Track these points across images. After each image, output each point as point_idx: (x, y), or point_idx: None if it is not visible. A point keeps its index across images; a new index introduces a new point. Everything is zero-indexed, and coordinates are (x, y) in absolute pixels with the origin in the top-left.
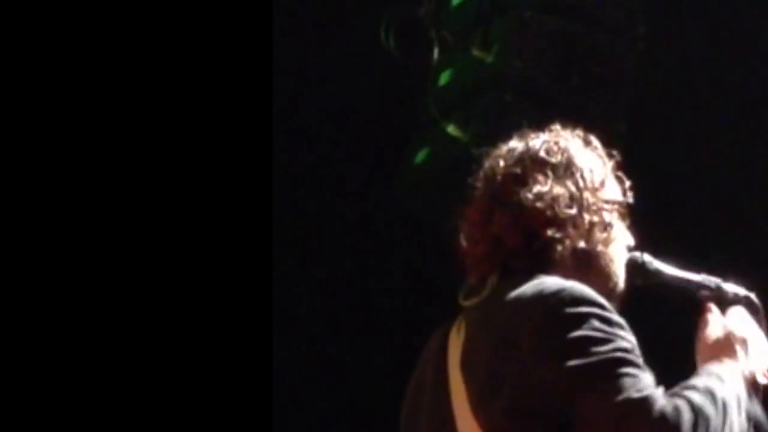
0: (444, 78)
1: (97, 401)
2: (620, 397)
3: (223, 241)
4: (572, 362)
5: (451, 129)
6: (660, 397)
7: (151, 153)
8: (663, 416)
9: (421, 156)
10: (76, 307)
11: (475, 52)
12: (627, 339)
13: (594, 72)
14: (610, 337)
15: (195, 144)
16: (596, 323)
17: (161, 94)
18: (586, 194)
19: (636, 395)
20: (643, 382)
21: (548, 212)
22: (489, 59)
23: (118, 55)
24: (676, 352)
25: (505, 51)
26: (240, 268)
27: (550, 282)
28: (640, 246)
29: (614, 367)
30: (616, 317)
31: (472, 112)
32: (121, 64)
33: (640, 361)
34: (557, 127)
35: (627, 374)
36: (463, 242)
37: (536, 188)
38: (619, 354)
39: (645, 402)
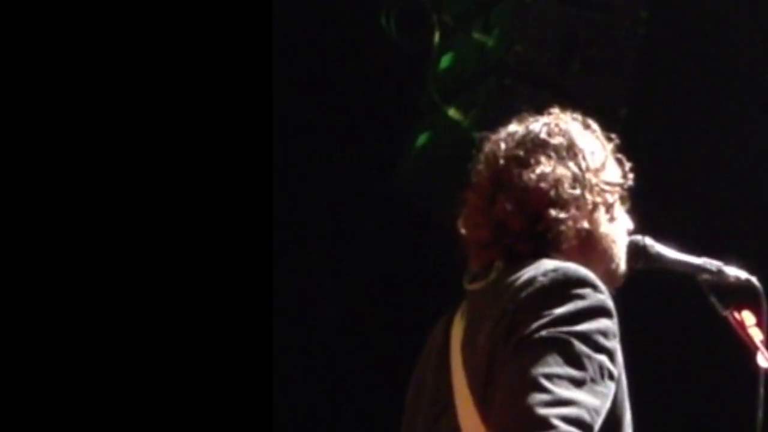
0: (445, 62)
1: (97, 401)
2: (528, 396)
3: (223, 238)
4: (535, 335)
5: (452, 113)
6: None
7: (151, 153)
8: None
9: (422, 140)
10: (76, 307)
11: (476, 37)
12: (605, 332)
13: (595, 56)
14: (588, 329)
15: (195, 140)
16: (581, 305)
17: (161, 93)
18: (589, 175)
19: (541, 410)
20: (576, 395)
21: (551, 193)
22: (490, 43)
23: (119, 55)
24: (674, 334)
25: (506, 35)
26: (240, 260)
27: (549, 263)
28: (642, 229)
29: (564, 356)
30: (604, 303)
31: (473, 97)
32: (122, 64)
33: (602, 361)
34: (556, 110)
35: (566, 376)
36: (465, 228)
37: (539, 169)
38: (580, 347)
39: (536, 416)
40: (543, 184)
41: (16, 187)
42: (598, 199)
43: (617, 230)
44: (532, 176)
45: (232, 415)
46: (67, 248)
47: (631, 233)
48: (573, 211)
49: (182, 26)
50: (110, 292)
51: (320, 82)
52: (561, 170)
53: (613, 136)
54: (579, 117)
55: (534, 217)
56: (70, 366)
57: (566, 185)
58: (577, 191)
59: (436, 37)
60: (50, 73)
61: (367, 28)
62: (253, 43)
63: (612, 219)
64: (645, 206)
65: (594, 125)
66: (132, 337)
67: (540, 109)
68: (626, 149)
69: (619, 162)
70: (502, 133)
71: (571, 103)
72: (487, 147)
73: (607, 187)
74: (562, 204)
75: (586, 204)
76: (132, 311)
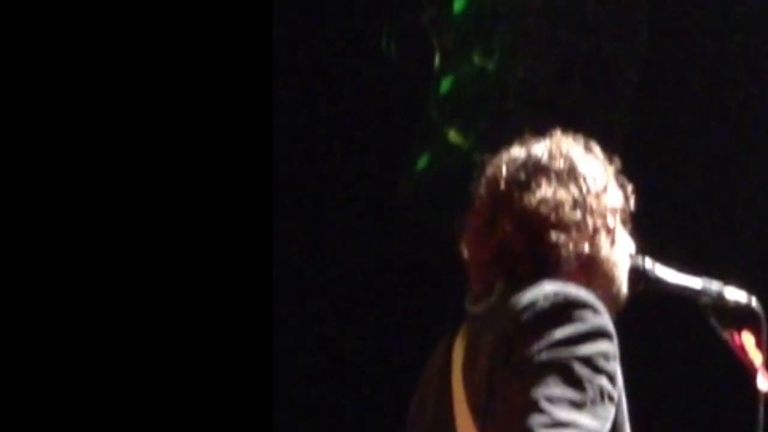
0: (445, 85)
1: (97, 401)
2: (529, 413)
3: (223, 255)
4: (536, 357)
5: (453, 136)
6: None
7: (151, 153)
8: None
9: (422, 163)
10: (76, 307)
11: (477, 59)
12: (605, 355)
13: (595, 79)
14: (588, 352)
15: (195, 144)
16: (582, 328)
17: (161, 94)
18: (590, 199)
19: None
20: (576, 417)
21: (552, 216)
22: (490, 66)
23: (119, 55)
24: (674, 356)
25: (507, 58)
26: (239, 284)
27: (549, 286)
28: (642, 252)
29: (564, 378)
30: (604, 326)
31: (474, 119)
32: (122, 65)
33: (603, 384)
34: (558, 133)
35: (566, 399)
36: (466, 250)
37: (540, 193)
38: (580, 370)
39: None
40: (543, 208)
41: (15, 187)
42: (599, 223)
43: (619, 254)
44: (533, 200)
45: (233, 416)
46: (66, 248)
47: (633, 255)
48: (574, 234)
49: (185, 46)
50: (111, 293)
51: (320, 104)
52: (562, 194)
53: (614, 158)
54: (581, 140)
55: (534, 241)
56: (70, 365)
57: (567, 209)
58: (578, 215)
59: (437, 59)
60: (50, 73)
61: (367, 50)
62: (253, 66)
63: (613, 242)
64: (645, 227)
65: (596, 148)
66: (132, 338)
67: (541, 132)
68: (626, 171)
69: (621, 185)
70: (504, 156)
71: (571, 125)
72: (489, 170)
73: (608, 211)
74: (562, 227)
75: (587, 228)
76: (132, 311)
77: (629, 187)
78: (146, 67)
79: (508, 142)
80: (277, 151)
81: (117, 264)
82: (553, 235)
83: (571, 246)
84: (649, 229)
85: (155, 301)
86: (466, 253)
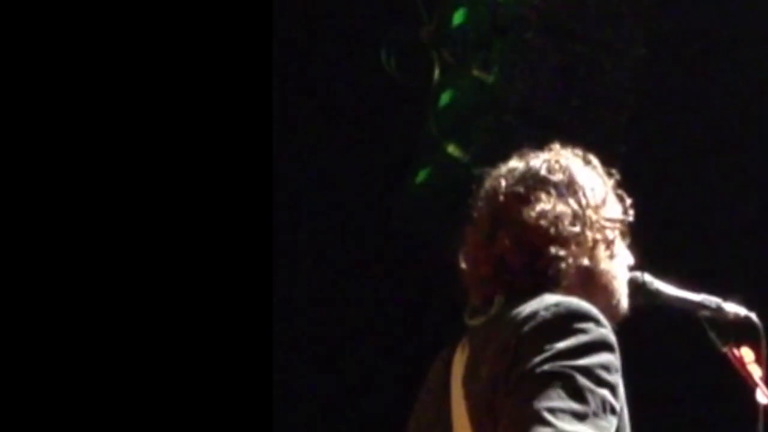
0: (445, 99)
1: (97, 401)
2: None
3: (224, 249)
4: (538, 369)
5: (452, 149)
6: None
7: (151, 153)
8: None
9: (421, 176)
10: (76, 307)
11: (476, 73)
12: (607, 366)
13: (594, 93)
14: (590, 364)
15: (195, 144)
16: (584, 340)
17: (161, 94)
18: (589, 212)
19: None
20: (578, 429)
21: (551, 230)
22: (490, 80)
23: (119, 55)
24: (675, 368)
25: (506, 72)
26: (240, 299)
27: (551, 297)
28: (641, 265)
29: (566, 390)
30: (606, 338)
31: (473, 133)
32: (122, 65)
33: (605, 395)
34: (557, 146)
35: (568, 410)
36: (465, 263)
37: (539, 206)
38: (582, 382)
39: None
40: (543, 222)
41: (15, 187)
42: (598, 236)
43: (618, 266)
44: (532, 213)
45: (233, 416)
46: (67, 249)
47: (632, 269)
48: (573, 248)
49: (185, 47)
50: (111, 294)
51: (320, 119)
52: (561, 207)
53: (613, 171)
54: (580, 153)
55: (534, 254)
56: (71, 365)
57: (566, 222)
58: (577, 228)
59: (436, 73)
60: (50, 73)
61: (367, 64)
62: (252, 81)
63: (612, 255)
64: (643, 241)
65: (595, 161)
66: (132, 339)
67: (540, 146)
68: (624, 186)
69: (620, 198)
70: (503, 169)
71: (570, 139)
72: (488, 183)
73: (607, 224)
74: (562, 241)
75: (587, 241)
76: (132, 313)
77: (628, 200)
78: (147, 69)
79: (507, 156)
80: (276, 165)
81: (115, 264)
82: (553, 249)
83: (570, 259)
84: (648, 243)
85: (155, 301)
86: (465, 267)
